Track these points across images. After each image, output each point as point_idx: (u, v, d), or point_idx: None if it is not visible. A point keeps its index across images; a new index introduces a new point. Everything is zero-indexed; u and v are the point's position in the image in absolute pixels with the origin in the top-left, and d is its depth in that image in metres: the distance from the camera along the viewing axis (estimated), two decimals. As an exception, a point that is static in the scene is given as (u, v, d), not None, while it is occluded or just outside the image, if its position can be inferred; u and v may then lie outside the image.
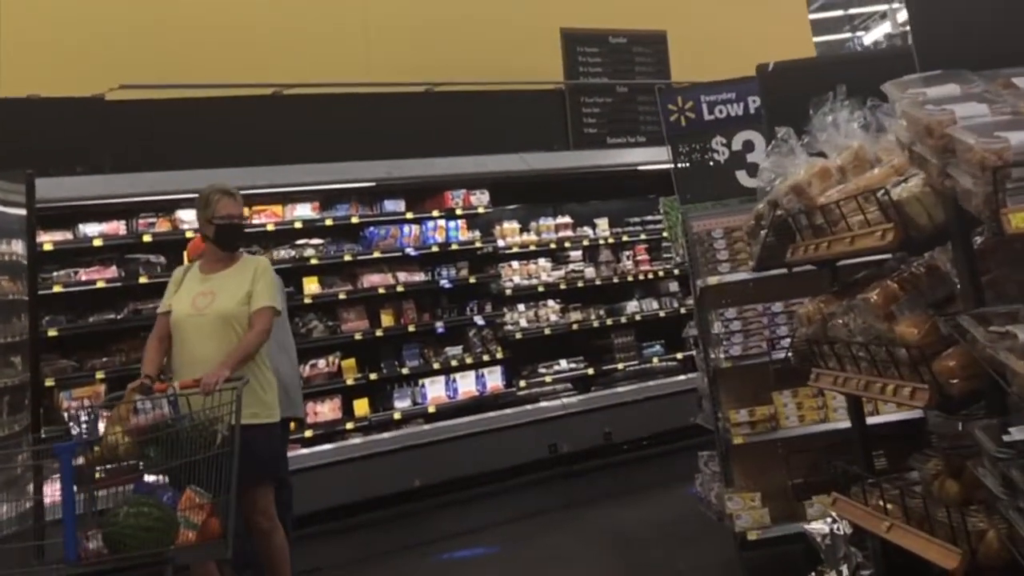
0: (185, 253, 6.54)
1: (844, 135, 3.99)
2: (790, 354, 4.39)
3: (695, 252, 6.35)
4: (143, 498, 4.33)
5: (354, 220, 8.39)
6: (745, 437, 6.00)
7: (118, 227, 7.47)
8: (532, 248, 9.50)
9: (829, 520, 4.50)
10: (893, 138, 3.49)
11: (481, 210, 8.90)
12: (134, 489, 4.44)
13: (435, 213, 8.71)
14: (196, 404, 4.54)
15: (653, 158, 9.35)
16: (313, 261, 8.19)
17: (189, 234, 7.25)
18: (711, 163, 6.58)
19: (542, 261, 9.55)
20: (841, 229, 3.71)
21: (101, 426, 4.70)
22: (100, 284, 7.26)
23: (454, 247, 8.75)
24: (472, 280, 8.81)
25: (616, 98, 10.54)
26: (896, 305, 3.42)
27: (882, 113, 3.80)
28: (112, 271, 7.35)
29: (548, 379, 9.19)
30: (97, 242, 7.33)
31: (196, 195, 7.14)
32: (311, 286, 8.23)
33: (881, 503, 3.63)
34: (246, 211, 7.39)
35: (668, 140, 6.72)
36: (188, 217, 7.52)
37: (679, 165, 6.62)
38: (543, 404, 8.75)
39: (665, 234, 9.25)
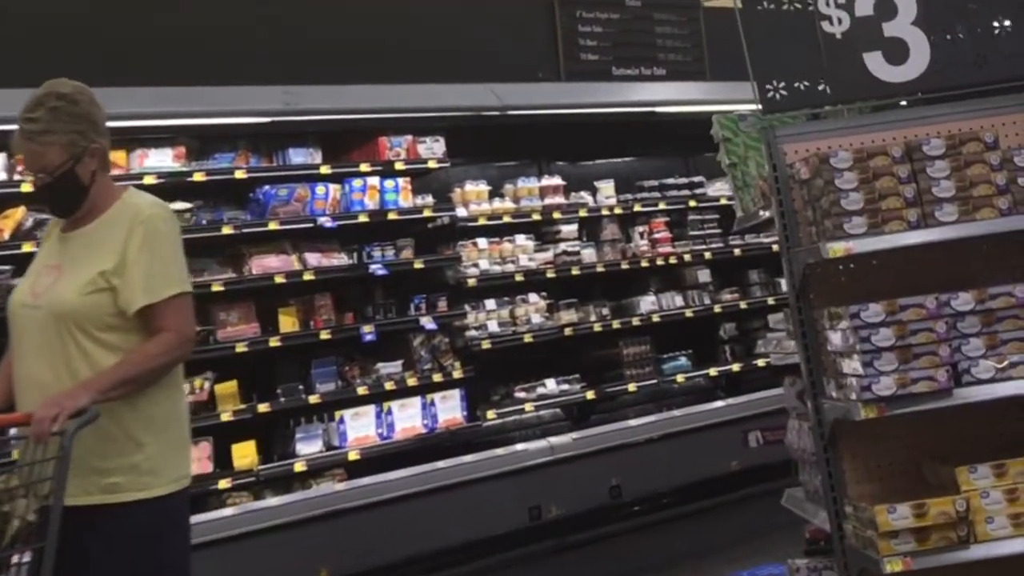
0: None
1: None
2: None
3: (789, 200, 4.27)
4: None
5: (240, 175, 7.05)
6: (907, 560, 3.56)
7: None
8: (507, 220, 8.27)
9: None
10: None
11: (433, 165, 7.74)
12: None
13: (364, 168, 7.48)
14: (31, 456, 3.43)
15: (677, 96, 8.72)
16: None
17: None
18: (816, 39, 4.60)
19: (521, 239, 8.33)
20: None
21: None
22: None
23: (392, 217, 7.53)
24: (419, 265, 7.62)
25: (625, 13, 9.57)
26: None
27: None
28: None
29: (529, 407, 7.93)
30: None
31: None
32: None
33: None
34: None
35: (739, -9, 4.74)
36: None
37: (755, 40, 4.60)
38: (521, 447, 7.56)
39: (724, 176, 7.89)
